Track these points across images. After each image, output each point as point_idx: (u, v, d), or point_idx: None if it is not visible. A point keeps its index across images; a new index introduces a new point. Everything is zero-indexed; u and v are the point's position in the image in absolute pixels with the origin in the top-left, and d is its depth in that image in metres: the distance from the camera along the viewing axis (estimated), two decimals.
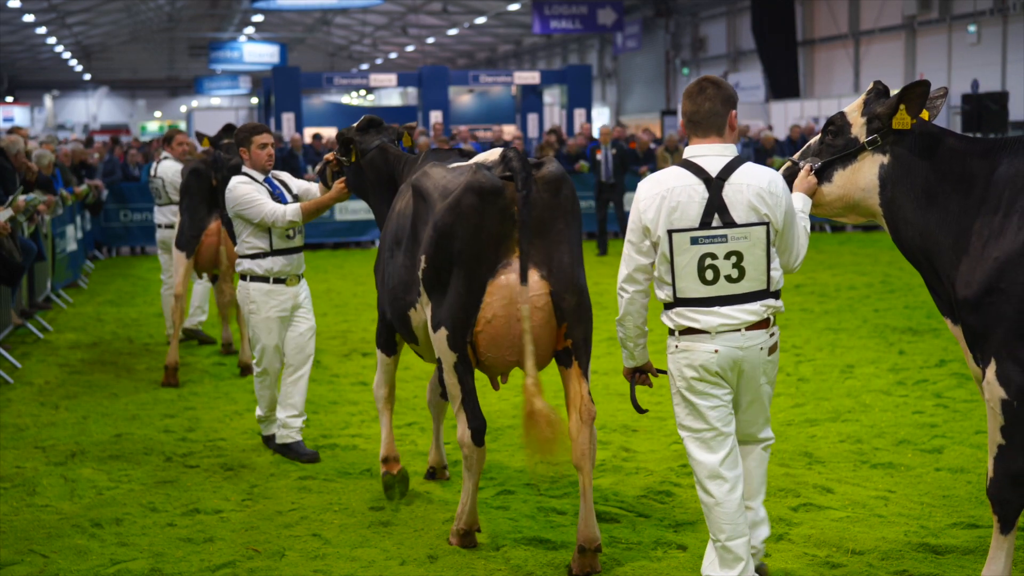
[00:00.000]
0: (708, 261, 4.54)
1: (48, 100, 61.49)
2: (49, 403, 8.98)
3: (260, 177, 7.47)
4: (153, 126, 56.92)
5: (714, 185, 4.56)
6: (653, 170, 22.02)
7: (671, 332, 4.69)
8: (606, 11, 35.56)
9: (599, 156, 19.18)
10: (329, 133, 28.61)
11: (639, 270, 4.71)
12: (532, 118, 34.52)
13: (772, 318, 4.68)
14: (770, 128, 25.54)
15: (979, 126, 23.79)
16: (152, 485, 6.85)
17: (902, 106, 4.73)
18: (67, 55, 56.52)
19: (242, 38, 49.15)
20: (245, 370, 9.96)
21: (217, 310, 10.98)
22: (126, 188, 19.83)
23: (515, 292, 5.37)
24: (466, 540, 5.81)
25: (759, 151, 21.23)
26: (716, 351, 4.57)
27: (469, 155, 6.31)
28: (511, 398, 8.72)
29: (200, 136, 11.02)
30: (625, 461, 7.13)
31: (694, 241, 4.54)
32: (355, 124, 6.99)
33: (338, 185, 7.06)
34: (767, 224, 4.55)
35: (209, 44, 47.47)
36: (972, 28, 27.06)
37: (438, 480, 6.92)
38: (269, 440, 7.69)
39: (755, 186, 4.55)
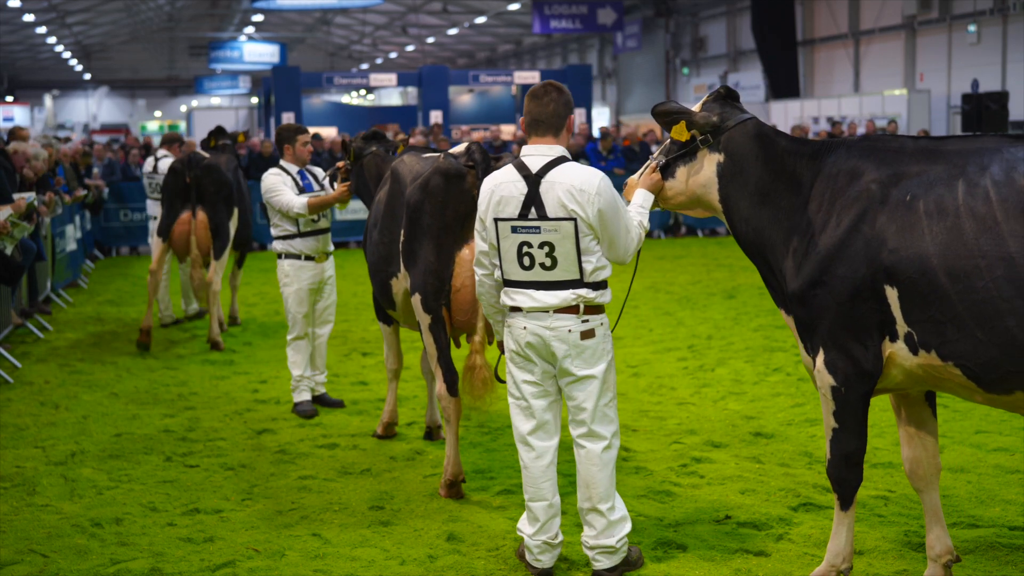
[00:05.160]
0: (525, 249, 5.03)
1: (48, 100, 61.50)
2: (49, 403, 8.98)
3: (294, 170, 8.49)
4: (153, 126, 56.92)
5: (532, 181, 5.03)
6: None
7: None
8: (606, 11, 35.54)
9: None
10: (329, 133, 28.64)
11: (483, 254, 5.29)
12: None
13: (589, 307, 5.05)
14: None
15: (979, 126, 23.78)
16: (152, 485, 6.85)
17: (682, 121, 5.07)
18: (67, 55, 56.52)
19: (242, 38, 49.15)
20: (214, 346, 11.00)
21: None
22: (126, 188, 19.81)
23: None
24: (452, 491, 6.49)
25: None
26: (525, 328, 5.10)
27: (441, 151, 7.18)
28: None
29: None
30: (625, 461, 7.12)
31: (514, 230, 5.05)
32: (360, 133, 8.13)
33: (341, 187, 8.07)
34: (575, 220, 4.93)
35: (209, 44, 47.52)
36: (972, 28, 27.05)
37: (435, 440, 7.69)
38: (298, 406, 8.52)
39: (566, 184, 4.97)
